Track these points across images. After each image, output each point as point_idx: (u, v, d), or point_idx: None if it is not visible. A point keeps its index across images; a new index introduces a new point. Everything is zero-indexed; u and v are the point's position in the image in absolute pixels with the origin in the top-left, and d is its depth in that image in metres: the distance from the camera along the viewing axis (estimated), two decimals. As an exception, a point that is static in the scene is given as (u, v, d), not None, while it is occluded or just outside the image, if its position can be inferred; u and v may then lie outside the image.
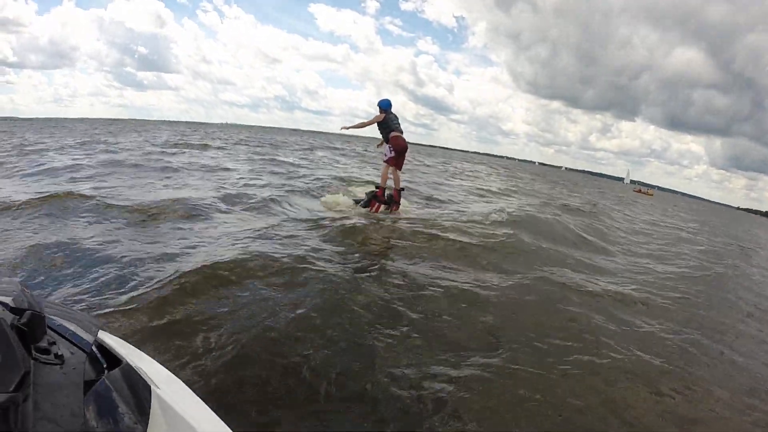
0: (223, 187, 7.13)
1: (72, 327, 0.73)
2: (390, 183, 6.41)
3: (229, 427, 0.75)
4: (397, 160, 6.27)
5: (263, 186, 7.80)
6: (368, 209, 6.24)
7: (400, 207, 6.48)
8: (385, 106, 6.30)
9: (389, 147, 6.17)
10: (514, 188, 14.82)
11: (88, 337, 0.71)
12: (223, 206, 5.61)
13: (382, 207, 6.29)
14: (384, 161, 6.30)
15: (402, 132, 6.30)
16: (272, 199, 6.38)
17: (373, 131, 6.37)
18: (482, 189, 12.11)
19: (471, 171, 20.97)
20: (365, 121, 6.30)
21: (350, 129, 6.38)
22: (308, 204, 6.64)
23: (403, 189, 6.60)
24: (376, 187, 6.42)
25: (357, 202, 6.60)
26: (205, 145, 16.91)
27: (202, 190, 6.76)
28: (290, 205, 6.34)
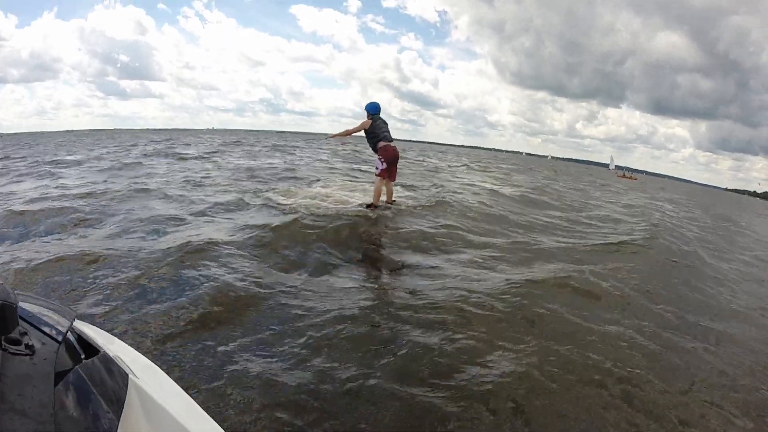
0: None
1: (45, 317, 0.70)
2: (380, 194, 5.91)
3: (208, 414, 0.76)
4: (389, 171, 5.83)
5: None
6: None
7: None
8: (372, 110, 5.89)
9: (379, 159, 5.72)
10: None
11: (61, 327, 0.69)
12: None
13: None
14: (376, 175, 5.82)
15: (392, 140, 5.89)
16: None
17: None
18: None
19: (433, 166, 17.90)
20: (350, 128, 5.94)
21: (335, 137, 6.13)
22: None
23: (394, 201, 6.17)
24: (367, 206, 5.77)
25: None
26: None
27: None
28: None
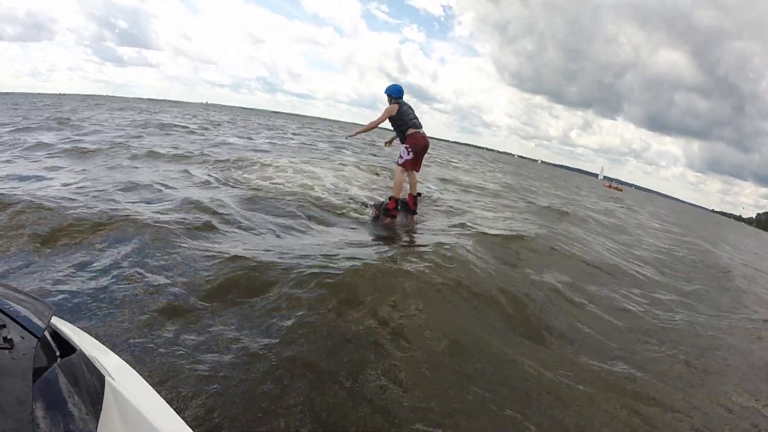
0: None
1: (24, 311, 0.68)
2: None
3: (181, 418, 0.75)
4: (414, 162, 5.27)
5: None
6: (378, 223, 5.26)
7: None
8: (396, 93, 5.25)
9: (406, 148, 5.12)
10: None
11: (40, 322, 0.67)
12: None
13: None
14: (399, 164, 5.21)
15: (421, 126, 5.23)
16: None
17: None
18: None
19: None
20: (374, 120, 5.23)
21: (358, 135, 5.72)
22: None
23: (419, 194, 5.68)
24: (389, 199, 5.30)
25: (364, 205, 5.78)
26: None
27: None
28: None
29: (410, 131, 5.15)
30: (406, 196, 5.45)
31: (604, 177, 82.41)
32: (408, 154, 5.13)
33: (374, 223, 5.22)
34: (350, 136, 5.92)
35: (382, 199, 5.64)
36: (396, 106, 5.14)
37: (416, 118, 5.26)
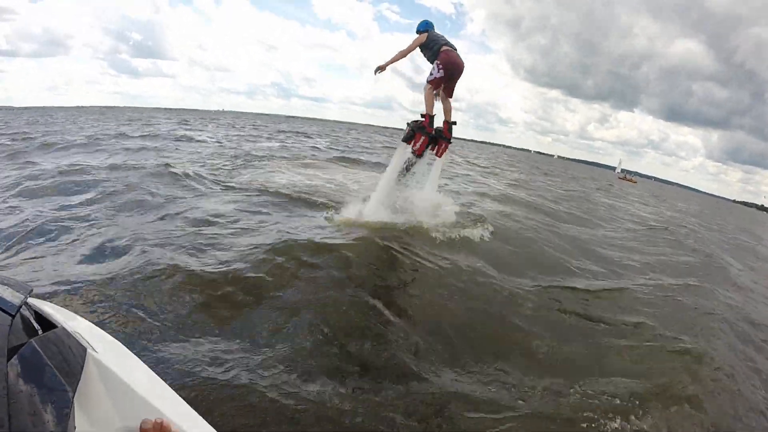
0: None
1: None
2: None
3: (168, 385, 0.79)
4: (447, 83, 4.94)
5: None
6: (409, 144, 4.99)
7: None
8: (422, 27, 4.99)
9: (437, 64, 4.77)
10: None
11: (14, 301, 0.69)
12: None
13: (415, 147, 4.95)
14: (428, 82, 4.86)
15: (455, 48, 4.91)
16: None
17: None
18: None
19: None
20: (403, 49, 4.91)
21: (387, 66, 4.96)
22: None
23: (455, 123, 5.21)
24: (422, 116, 4.97)
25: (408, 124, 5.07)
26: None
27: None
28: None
29: (443, 48, 4.84)
30: (441, 124, 5.16)
31: (622, 170, 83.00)
32: (438, 71, 4.78)
33: (406, 144, 5.01)
34: (380, 68, 4.98)
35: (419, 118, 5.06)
36: (425, 35, 4.89)
37: (449, 42, 4.95)
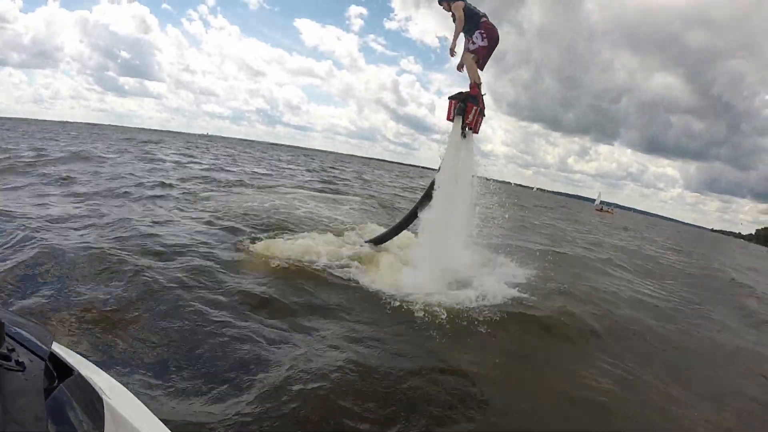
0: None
1: (28, 335, 0.72)
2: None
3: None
4: (486, 54, 4.87)
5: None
6: (463, 118, 4.81)
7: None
8: None
9: (480, 33, 4.73)
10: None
11: (44, 346, 0.73)
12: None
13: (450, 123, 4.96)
14: (470, 50, 4.82)
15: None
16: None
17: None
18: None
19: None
20: (456, 27, 4.80)
21: (456, 45, 4.90)
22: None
23: (484, 94, 5.05)
24: (470, 87, 4.89)
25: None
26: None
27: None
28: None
29: (483, 19, 4.81)
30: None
31: (600, 202, 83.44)
32: (483, 40, 4.72)
33: (456, 121, 4.75)
34: (452, 51, 4.96)
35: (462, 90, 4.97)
36: (463, 3, 4.77)
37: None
